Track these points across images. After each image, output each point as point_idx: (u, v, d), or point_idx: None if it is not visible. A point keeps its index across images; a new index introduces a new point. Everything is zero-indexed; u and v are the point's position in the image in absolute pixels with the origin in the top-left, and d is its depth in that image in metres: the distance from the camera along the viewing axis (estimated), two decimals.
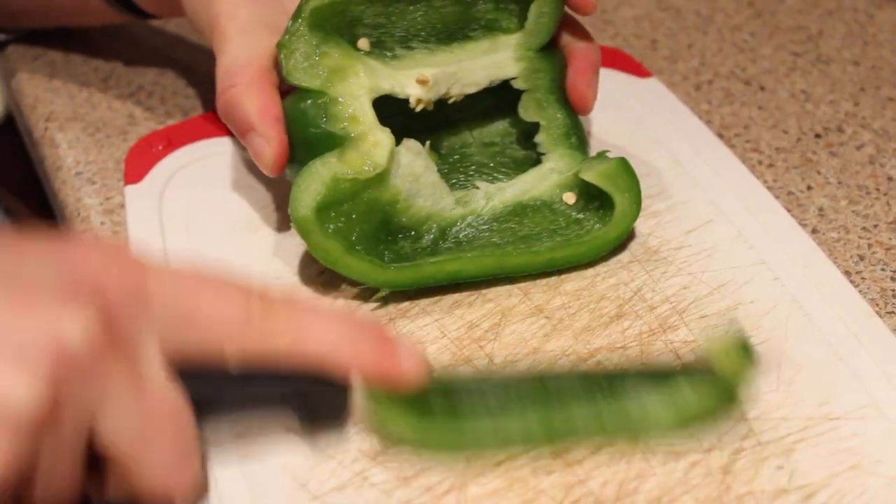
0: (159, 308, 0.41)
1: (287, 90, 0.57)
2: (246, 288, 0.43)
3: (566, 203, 0.58)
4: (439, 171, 0.59)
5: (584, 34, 0.61)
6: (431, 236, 0.57)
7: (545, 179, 0.59)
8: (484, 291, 0.57)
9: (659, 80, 0.71)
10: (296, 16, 0.56)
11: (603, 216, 0.58)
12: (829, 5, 0.79)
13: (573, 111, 0.60)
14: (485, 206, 0.58)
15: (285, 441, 0.50)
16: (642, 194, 0.58)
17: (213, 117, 0.67)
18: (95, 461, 0.40)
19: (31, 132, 0.72)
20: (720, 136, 0.67)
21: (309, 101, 0.55)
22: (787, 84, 0.72)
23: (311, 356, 0.43)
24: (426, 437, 0.45)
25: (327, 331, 0.43)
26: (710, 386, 0.47)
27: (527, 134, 0.62)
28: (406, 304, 0.56)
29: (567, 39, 0.61)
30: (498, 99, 0.62)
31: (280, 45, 0.56)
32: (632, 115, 0.68)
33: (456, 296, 0.57)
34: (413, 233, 0.57)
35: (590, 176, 0.57)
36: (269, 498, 0.48)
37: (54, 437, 0.38)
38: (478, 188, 0.59)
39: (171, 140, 0.65)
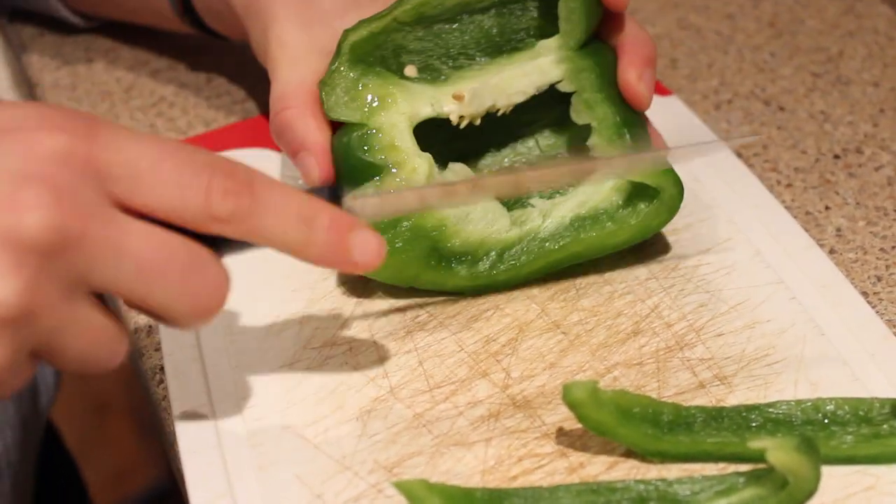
0: (116, 172, 0.42)
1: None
2: (207, 163, 0.44)
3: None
4: None
5: (632, 26, 0.58)
6: (489, 261, 0.57)
7: (601, 186, 0.57)
8: (501, 306, 0.57)
9: (678, 98, 0.71)
10: (336, 53, 0.57)
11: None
12: (849, 27, 0.79)
13: (627, 107, 0.58)
14: (542, 224, 0.57)
15: (301, 451, 0.50)
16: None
17: (235, 129, 0.67)
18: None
19: None
20: (739, 155, 0.67)
21: (353, 134, 0.56)
22: (806, 104, 0.73)
23: (264, 242, 0.45)
24: None
25: (280, 226, 0.45)
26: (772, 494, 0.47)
27: (584, 141, 0.59)
28: (424, 316, 0.57)
29: (615, 34, 0.58)
30: (556, 113, 0.61)
31: (321, 83, 0.57)
32: None
33: (473, 310, 0.57)
34: (469, 257, 0.57)
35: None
36: None
37: (45, 319, 0.41)
38: (533, 206, 0.59)
39: None
